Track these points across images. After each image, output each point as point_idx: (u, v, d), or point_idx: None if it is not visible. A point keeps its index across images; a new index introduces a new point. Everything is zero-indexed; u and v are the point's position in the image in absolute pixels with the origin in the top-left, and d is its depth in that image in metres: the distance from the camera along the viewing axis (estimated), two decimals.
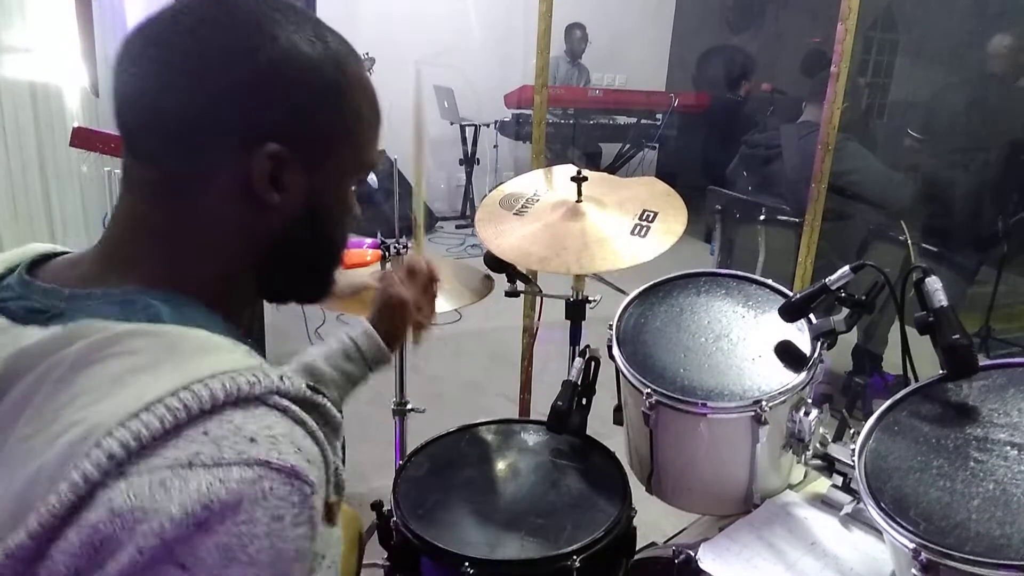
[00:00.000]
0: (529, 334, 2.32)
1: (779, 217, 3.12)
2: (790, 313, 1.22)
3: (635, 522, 1.29)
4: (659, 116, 6.04)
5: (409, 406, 1.86)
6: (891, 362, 3.04)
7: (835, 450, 1.23)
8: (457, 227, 6.05)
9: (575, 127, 6.02)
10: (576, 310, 1.64)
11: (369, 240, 1.67)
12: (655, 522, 1.60)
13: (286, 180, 0.60)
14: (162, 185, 0.59)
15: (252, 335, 0.65)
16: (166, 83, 0.57)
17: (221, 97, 0.57)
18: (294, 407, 0.53)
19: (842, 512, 1.18)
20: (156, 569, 0.45)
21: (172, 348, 0.52)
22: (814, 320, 1.22)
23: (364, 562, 1.43)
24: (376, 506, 1.32)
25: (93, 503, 0.46)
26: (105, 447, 0.46)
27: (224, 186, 0.59)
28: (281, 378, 0.53)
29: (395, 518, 1.25)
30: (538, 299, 1.96)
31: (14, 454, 0.49)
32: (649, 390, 1.16)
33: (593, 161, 6.14)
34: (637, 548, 1.31)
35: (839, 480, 1.22)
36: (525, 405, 2.36)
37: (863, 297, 1.17)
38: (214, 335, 0.56)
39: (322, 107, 0.61)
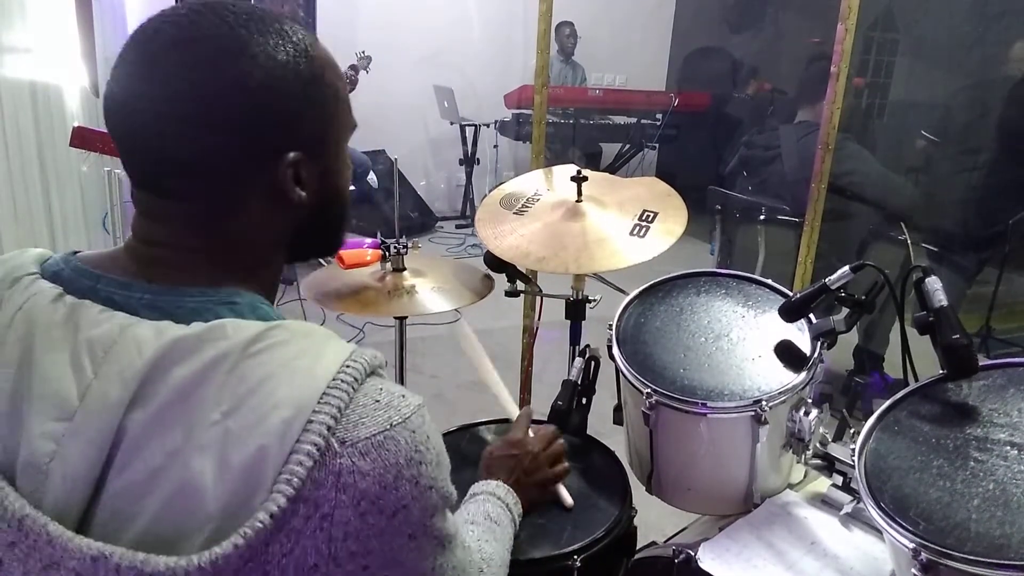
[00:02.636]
0: (529, 334, 2.32)
1: (779, 217, 3.12)
2: (790, 313, 1.22)
3: (635, 522, 1.29)
4: (659, 116, 6.04)
5: None
6: (893, 362, 3.04)
7: (835, 450, 1.24)
8: (457, 227, 6.05)
9: (575, 127, 6.02)
10: (576, 310, 1.64)
11: (369, 240, 1.67)
12: (655, 522, 1.60)
13: (304, 176, 0.66)
14: (199, 216, 0.64)
15: None
16: (176, 132, 0.60)
17: (233, 130, 0.61)
18: (382, 372, 0.63)
19: (842, 512, 1.18)
20: (423, 500, 0.59)
21: (309, 336, 0.60)
22: (814, 320, 1.22)
23: None
24: None
25: (320, 473, 0.53)
26: (320, 420, 0.54)
27: (256, 202, 0.65)
28: (373, 356, 0.62)
29: None
30: (538, 299, 1.96)
31: (209, 437, 0.53)
32: (649, 390, 1.16)
33: (593, 161, 6.14)
34: (637, 548, 1.31)
35: (839, 480, 1.22)
36: (525, 405, 2.36)
37: (863, 297, 1.17)
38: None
39: (311, 103, 0.66)
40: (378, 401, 0.58)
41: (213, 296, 0.62)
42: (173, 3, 0.75)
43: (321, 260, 1.55)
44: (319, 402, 0.55)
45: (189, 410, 0.54)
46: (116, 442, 0.54)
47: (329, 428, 0.54)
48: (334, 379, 0.57)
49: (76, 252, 0.67)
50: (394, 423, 0.57)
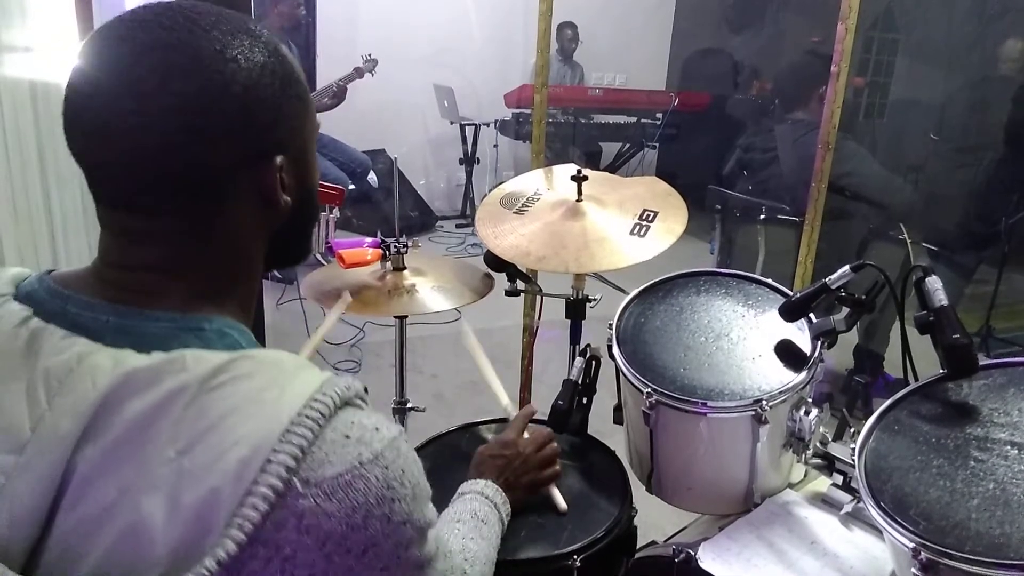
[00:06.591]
0: (529, 333, 2.32)
1: (779, 216, 3.12)
2: (790, 312, 1.22)
3: (635, 521, 1.29)
4: (659, 115, 6.04)
5: (409, 405, 1.86)
6: (893, 361, 3.04)
7: (835, 449, 1.24)
8: (457, 226, 6.04)
9: (575, 126, 6.02)
10: (576, 309, 1.64)
11: (369, 239, 1.67)
12: (655, 521, 1.60)
13: (286, 179, 0.64)
14: (180, 233, 0.61)
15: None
16: (159, 146, 0.57)
17: (219, 139, 0.59)
18: (359, 401, 0.60)
19: (842, 511, 1.18)
20: (395, 536, 0.57)
21: (276, 367, 0.57)
22: (814, 319, 1.22)
23: None
24: None
25: (280, 515, 0.51)
26: (279, 460, 0.51)
27: (240, 211, 0.63)
28: (347, 386, 0.59)
29: None
30: (538, 298, 1.96)
31: (161, 476, 0.51)
32: (649, 389, 1.16)
33: (593, 160, 6.13)
34: (637, 547, 1.31)
35: (839, 479, 1.22)
36: (525, 404, 2.36)
37: (863, 296, 1.17)
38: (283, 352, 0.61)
39: (288, 103, 0.64)
40: (348, 437, 0.55)
41: (180, 321, 0.60)
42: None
43: (320, 259, 1.55)
44: (280, 440, 0.52)
45: (142, 446, 0.51)
46: (66, 478, 0.52)
47: (289, 468, 0.51)
48: (299, 414, 0.53)
49: (51, 271, 0.64)
50: (364, 460, 0.54)
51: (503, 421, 1.49)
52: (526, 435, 1.22)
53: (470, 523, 1.01)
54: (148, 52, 0.57)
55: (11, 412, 0.54)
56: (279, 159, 0.63)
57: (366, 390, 0.61)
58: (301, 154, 0.66)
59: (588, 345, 1.43)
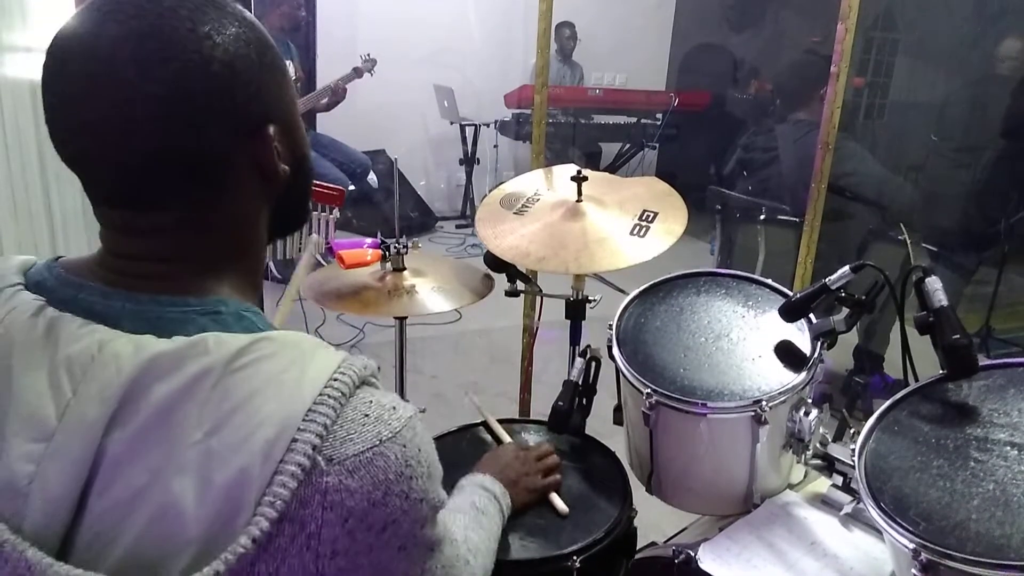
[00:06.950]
0: (529, 334, 2.32)
1: (779, 217, 3.12)
2: (790, 313, 1.22)
3: (635, 522, 1.29)
4: (659, 116, 6.04)
5: None
6: (893, 362, 3.04)
7: (835, 450, 1.24)
8: (457, 227, 6.04)
9: (575, 127, 6.02)
10: (576, 310, 1.64)
11: (369, 240, 1.67)
12: (655, 522, 1.60)
13: (280, 148, 0.64)
14: (181, 220, 0.61)
15: None
16: (151, 137, 0.57)
17: (208, 118, 0.58)
18: (374, 380, 0.61)
19: (842, 512, 1.18)
20: (413, 513, 0.58)
21: (295, 348, 0.58)
22: (814, 320, 1.22)
23: None
24: None
25: (306, 492, 0.52)
26: (305, 439, 0.53)
27: (239, 188, 0.63)
28: (364, 365, 0.60)
29: None
30: (538, 299, 1.96)
31: (190, 457, 0.52)
32: (649, 390, 1.16)
33: (593, 161, 6.13)
34: (637, 548, 1.31)
35: (839, 480, 1.22)
36: (525, 405, 2.36)
37: (863, 297, 1.17)
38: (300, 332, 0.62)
39: (267, 71, 0.63)
40: (367, 415, 0.56)
41: (197, 306, 0.60)
42: None
43: (321, 260, 1.55)
44: (304, 419, 0.53)
45: (170, 429, 0.52)
46: (96, 463, 0.52)
47: (315, 447, 0.52)
48: (321, 394, 0.55)
49: (58, 258, 0.64)
50: (383, 438, 0.56)
51: (503, 422, 1.49)
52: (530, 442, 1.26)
53: (470, 514, 1.03)
54: (121, 44, 0.56)
55: (36, 401, 0.54)
56: (271, 129, 0.62)
57: (379, 368, 0.62)
58: (287, 121, 0.66)
59: (588, 346, 1.43)
